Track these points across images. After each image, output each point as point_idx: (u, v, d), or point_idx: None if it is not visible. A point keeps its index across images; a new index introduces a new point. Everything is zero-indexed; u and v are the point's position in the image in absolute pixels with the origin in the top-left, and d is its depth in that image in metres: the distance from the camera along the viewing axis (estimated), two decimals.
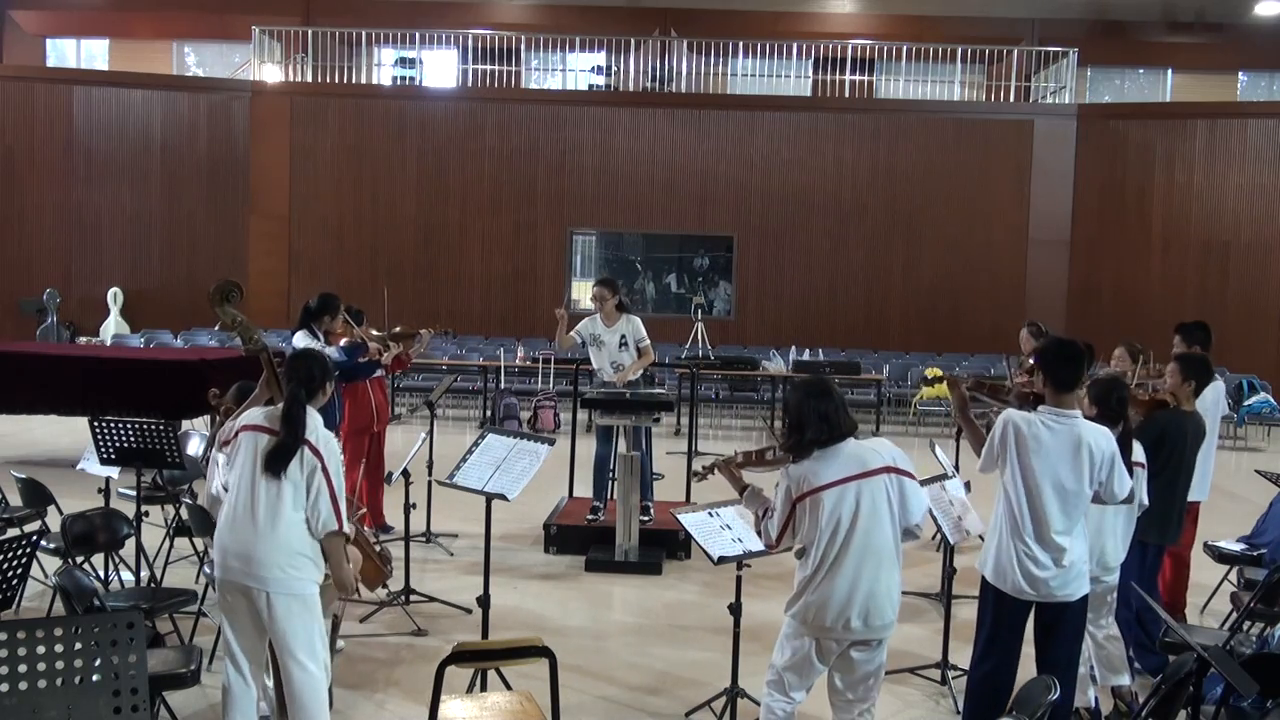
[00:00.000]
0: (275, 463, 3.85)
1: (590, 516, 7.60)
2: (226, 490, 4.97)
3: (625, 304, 7.87)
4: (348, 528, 4.02)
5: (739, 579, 4.53)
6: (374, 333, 7.72)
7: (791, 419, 3.84)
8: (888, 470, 3.79)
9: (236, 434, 4.00)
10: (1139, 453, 4.69)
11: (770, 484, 4.00)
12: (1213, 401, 5.64)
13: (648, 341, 7.74)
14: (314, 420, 3.96)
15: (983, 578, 4.15)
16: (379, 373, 7.78)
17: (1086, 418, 4.69)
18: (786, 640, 3.91)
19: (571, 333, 7.74)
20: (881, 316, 16.56)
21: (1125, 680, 4.83)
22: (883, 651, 3.89)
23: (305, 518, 3.89)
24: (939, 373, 7.45)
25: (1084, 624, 4.21)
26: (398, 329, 7.88)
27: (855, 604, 3.73)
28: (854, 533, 3.72)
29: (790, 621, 3.88)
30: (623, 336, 7.65)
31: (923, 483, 5.38)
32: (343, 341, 7.17)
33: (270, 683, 4.30)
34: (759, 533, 4.01)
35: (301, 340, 6.99)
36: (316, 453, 3.89)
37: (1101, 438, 4.04)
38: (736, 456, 4.20)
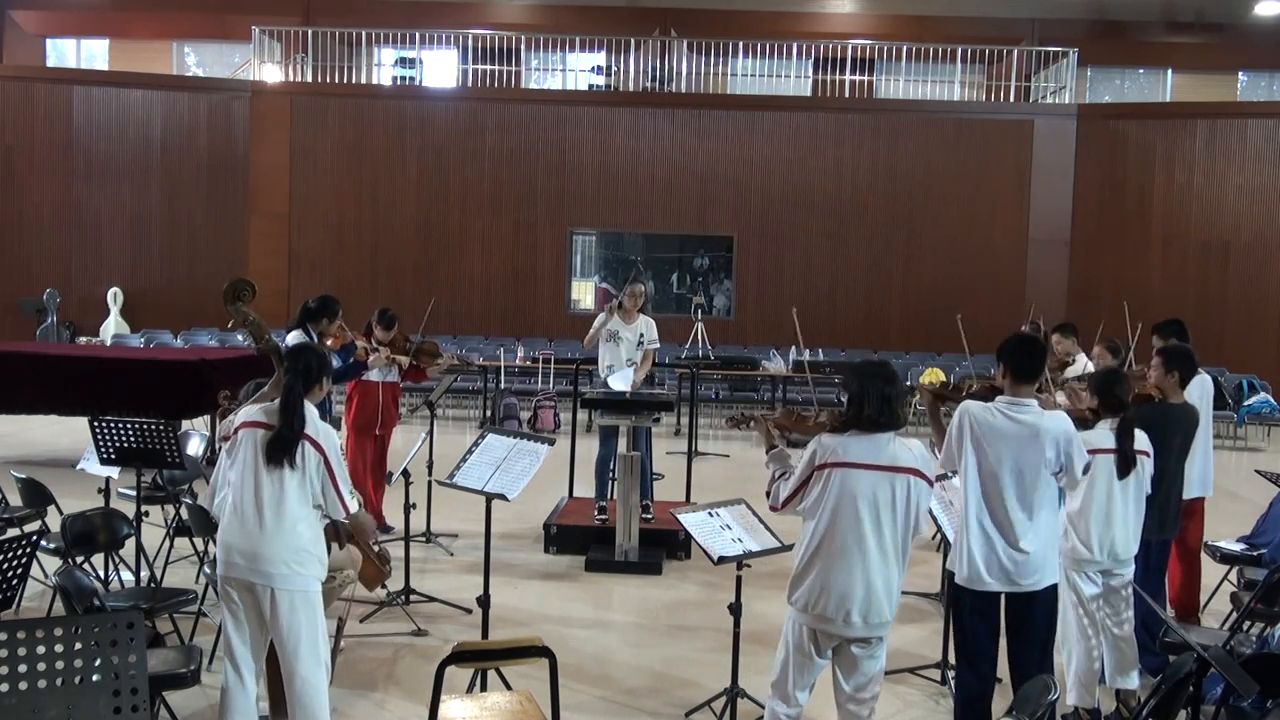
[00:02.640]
0: (276, 453, 3.84)
1: (602, 517, 7.61)
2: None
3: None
4: (352, 506, 4.03)
5: (739, 579, 4.53)
6: (394, 339, 7.75)
7: (852, 393, 3.80)
8: (914, 473, 3.77)
9: (236, 430, 3.98)
10: (1143, 440, 4.72)
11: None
12: (1199, 396, 5.60)
13: (658, 344, 8.00)
14: (311, 413, 3.95)
15: (951, 580, 4.19)
16: (394, 377, 7.77)
17: (1089, 410, 4.72)
18: (788, 636, 3.90)
19: (594, 330, 7.92)
20: (881, 316, 16.55)
21: (1133, 684, 4.80)
22: (883, 650, 3.89)
23: (310, 512, 3.91)
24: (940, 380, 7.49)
25: (1055, 615, 4.22)
26: (424, 342, 7.92)
27: (856, 597, 3.71)
28: (864, 524, 3.71)
29: (791, 614, 3.87)
30: (641, 335, 7.83)
31: None
32: (328, 343, 7.15)
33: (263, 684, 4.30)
34: (768, 494, 3.99)
35: (295, 339, 6.97)
36: (317, 446, 3.90)
37: (1059, 423, 4.09)
38: (777, 413, 4.24)
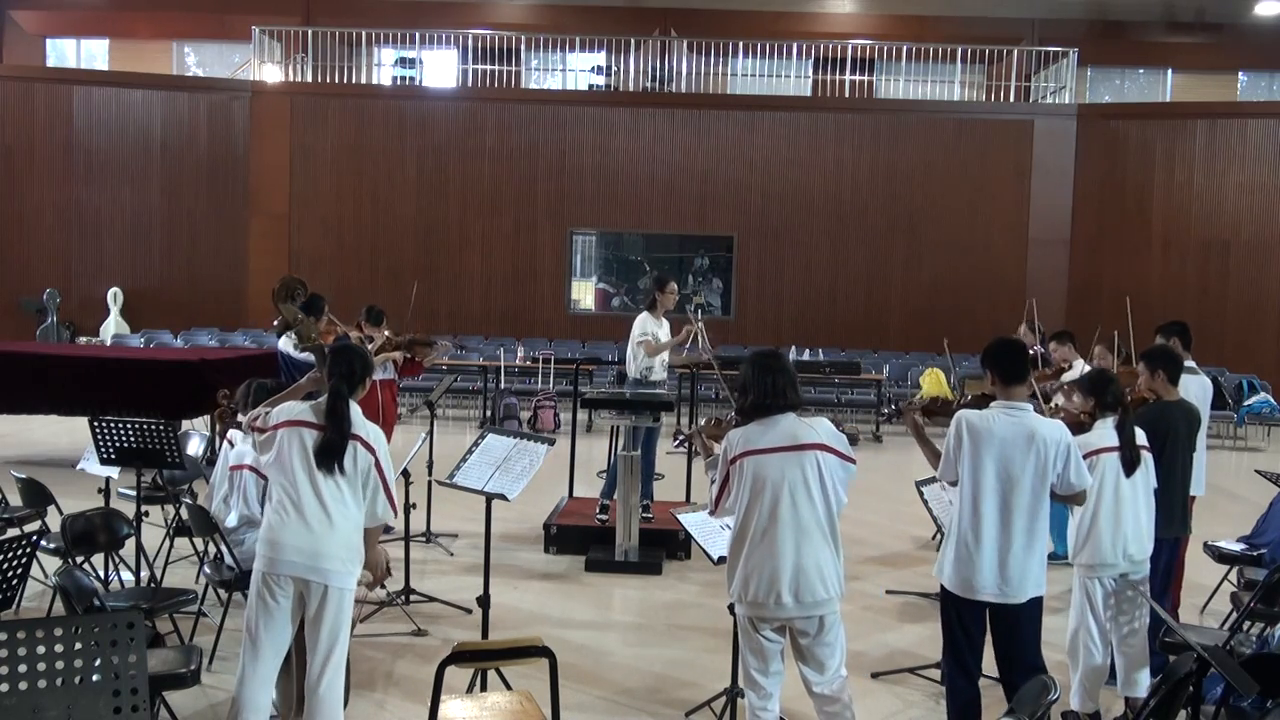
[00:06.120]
0: (328, 458, 3.86)
1: (603, 517, 7.60)
2: (225, 490, 4.92)
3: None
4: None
5: None
6: (387, 334, 7.72)
7: (740, 382, 3.97)
8: (819, 447, 3.86)
9: (276, 428, 3.96)
10: (1143, 437, 4.71)
11: None
12: (1198, 397, 5.57)
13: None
14: (357, 413, 3.97)
15: (941, 585, 4.18)
16: (391, 375, 7.77)
17: (1084, 413, 4.71)
18: (739, 625, 4.00)
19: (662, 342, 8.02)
20: (881, 316, 16.56)
21: (1140, 690, 4.73)
22: (833, 635, 3.90)
23: (358, 513, 3.93)
24: (940, 380, 7.48)
25: (1039, 625, 4.16)
26: (414, 335, 7.90)
27: (784, 578, 3.79)
28: (779, 505, 3.80)
29: (736, 604, 3.97)
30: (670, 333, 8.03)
31: (922, 482, 5.42)
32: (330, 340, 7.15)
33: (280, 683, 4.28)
34: (710, 499, 4.11)
35: (286, 342, 6.96)
36: (370, 448, 3.93)
37: (1054, 429, 4.07)
38: (710, 423, 4.44)
